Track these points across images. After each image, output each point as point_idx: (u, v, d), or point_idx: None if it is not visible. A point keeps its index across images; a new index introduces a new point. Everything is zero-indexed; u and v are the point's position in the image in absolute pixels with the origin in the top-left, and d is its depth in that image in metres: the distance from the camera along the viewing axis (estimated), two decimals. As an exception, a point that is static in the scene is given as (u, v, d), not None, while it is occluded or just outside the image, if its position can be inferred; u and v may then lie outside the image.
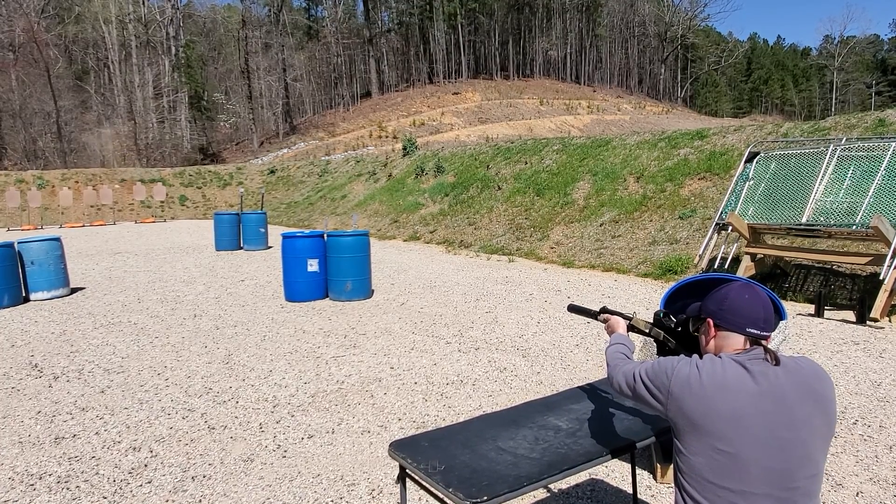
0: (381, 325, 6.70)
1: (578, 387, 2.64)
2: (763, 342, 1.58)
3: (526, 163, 16.04)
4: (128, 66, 48.58)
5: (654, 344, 2.18)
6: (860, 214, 6.86)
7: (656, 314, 2.06)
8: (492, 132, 48.63)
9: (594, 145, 15.05)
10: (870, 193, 6.95)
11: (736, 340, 1.60)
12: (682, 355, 1.65)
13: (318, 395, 4.56)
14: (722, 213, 8.23)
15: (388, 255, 12.76)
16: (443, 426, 2.33)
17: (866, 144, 7.62)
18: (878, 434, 3.65)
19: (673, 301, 2.11)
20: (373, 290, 8.58)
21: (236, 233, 14.43)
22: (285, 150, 50.81)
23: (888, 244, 6.50)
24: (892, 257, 6.43)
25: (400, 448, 2.05)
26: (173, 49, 52.82)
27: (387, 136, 50.99)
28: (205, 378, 5.02)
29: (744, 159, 8.58)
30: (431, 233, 15.09)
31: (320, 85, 67.07)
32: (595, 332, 6.17)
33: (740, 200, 8.17)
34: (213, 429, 4.00)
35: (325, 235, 8.28)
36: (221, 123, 56.11)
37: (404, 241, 15.25)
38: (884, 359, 5.17)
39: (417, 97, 64.82)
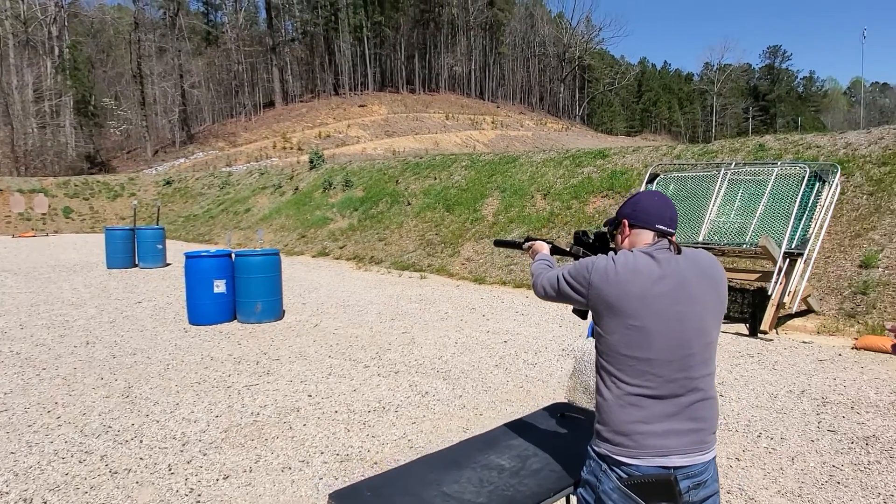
0: (296, 349, 6.46)
1: (514, 421, 2.63)
2: (669, 237, 1.80)
3: (435, 178, 16.14)
4: (4, 67, 44.69)
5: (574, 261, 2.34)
6: (749, 234, 7.40)
7: (576, 233, 2.28)
8: (398, 146, 48.76)
9: (502, 162, 15.39)
10: (757, 215, 7.52)
11: (646, 236, 1.82)
12: (598, 255, 1.87)
13: (231, 430, 4.30)
14: (626, 231, 8.60)
15: (297, 272, 12.40)
16: (382, 472, 2.24)
17: (752, 169, 8.25)
18: (780, 446, 3.91)
19: None
20: (284, 311, 8.28)
21: (130, 249, 13.53)
22: (182, 160, 48.46)
23: (774, 262, 7.05)
24: (778, 274, 6.99)
25: (340, 499, 1.95)
26: (57, 49, 49.18)
27: (291, 148, 49.88)
28: (102, 415, 4.61)
29: (645, 180, 9.04)
30: (341, 248, 14.84)
31: (220, 93, 64.74)
32: (513, 353, 6.25)
33: (643, 220, 8.58)
34: (116, 473, 3.67)
35: (233, 255, 7.92)
36: (111, 130, 52.59)
37: (313, 256, 14.90)
38: (777, 370, 5.56)
39: (323, 109, 63.94)
